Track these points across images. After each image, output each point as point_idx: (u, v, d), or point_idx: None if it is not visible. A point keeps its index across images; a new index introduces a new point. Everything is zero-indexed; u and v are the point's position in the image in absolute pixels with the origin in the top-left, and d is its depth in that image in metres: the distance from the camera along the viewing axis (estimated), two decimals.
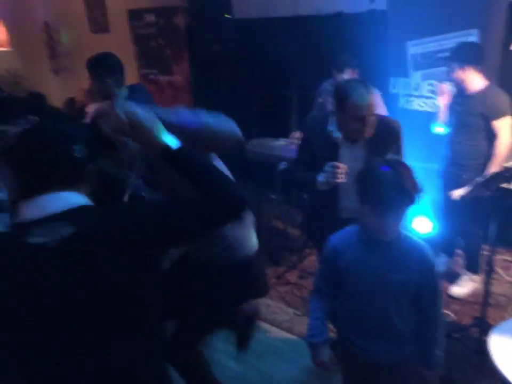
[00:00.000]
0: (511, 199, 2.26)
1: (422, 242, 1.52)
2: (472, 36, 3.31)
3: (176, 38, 4.80)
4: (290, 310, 2.98)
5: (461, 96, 2.87)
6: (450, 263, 3.29)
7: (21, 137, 1.08)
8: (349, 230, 1.58)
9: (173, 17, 4.75)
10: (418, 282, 1.46)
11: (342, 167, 1.90)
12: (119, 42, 5.61)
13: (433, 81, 3.56)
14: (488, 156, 2.71)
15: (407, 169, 1.37)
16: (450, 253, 3.30)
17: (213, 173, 1.18)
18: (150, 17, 4.91)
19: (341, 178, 1.89)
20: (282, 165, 3.19)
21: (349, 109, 1.92)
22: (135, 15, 5.07)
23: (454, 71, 2.78)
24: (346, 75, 3.21)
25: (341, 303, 1.63)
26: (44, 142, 1.06)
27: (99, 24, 6.17)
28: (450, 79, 2.90)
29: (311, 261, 3.54)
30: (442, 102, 2.99)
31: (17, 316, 1.01)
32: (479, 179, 2.05)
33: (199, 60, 4.49)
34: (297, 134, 3.39)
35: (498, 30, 3.14)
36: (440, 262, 3.26)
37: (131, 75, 5.42)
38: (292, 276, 3.37)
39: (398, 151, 2.12)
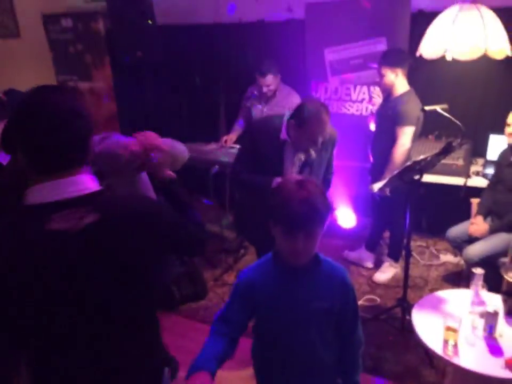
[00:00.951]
0: (421, 189, 2.53)
1: (340, 265, 1.45)
2: (381, 44, 3.63)
3: (96, 43, 4.66)
4: None
5: (386, 100, 3.08)
6: (367, 256, 3.54)
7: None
8: (264, 261, 1.42)
9: (92, 22, 4.60)
10: (341, 308, 1.37)
11: None
12: (32, 48, 5.32)
13: (349, 86, 3.85)
14: None
15: (318, 187, 1.30)
16: (374, 248, 3.55)
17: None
18: (67, 22, 4.71)
19: None
20: (215, 169, 3.25)
21: (307, 133, 2.11)
22: (50, 20, 4.83)
23: (385, 75, 2.91)
24: (269, 80, 3.36)
25: (260, 347, 1.47)
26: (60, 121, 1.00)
27: (7, 28, 5.80)
28: (380, 84, 3.07)
29: (247, 261, 3.64)
30: (374, 104, 3.16)
31: (43, 301, 0.98)
32: (394, 173, 2.28)
33: (121, 65, 4.40)
34: (227, 138, 3.48)
35: (404, 37, 3.47)
36: (367, 258, 3.52)
37: (48, 81, 5.15)
38: (230, 277, 3.44)
39: (331, 155, 2.33)
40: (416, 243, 3.81)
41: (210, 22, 4.28)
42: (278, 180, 2.04)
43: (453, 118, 2.31)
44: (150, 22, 4.21)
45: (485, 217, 2.88)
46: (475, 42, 2.22)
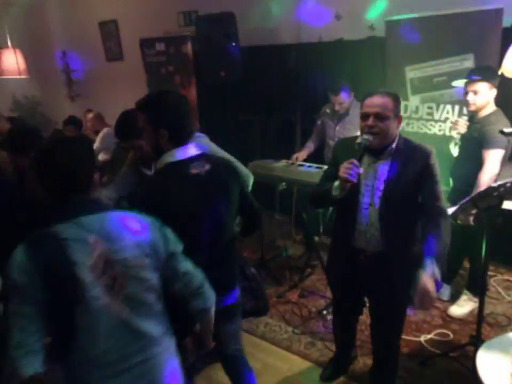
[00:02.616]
0: (500, 218, 2.30)
1: None
2: (468, 61, 3.41)
3: (185, 65, 4.99)
4: (290, 329, 3.01)
5: (471, 121, 2.84)
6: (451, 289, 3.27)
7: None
8: None
9: (181, 45, 4.96)
10: None
11: (357, 165, 1.75)
12: (132, 69, 5.87)
13: (432, 104, 3.65)
14: None
15: None
16: (451, 279, 3.27)
17: None
18: (161, 46, 5.13)
19: (352, 176, 1.74)
20: (282, 185, 3.28)
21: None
22: (146, 44, 5.30)
23: (483, 92, 2.68)
24: (341, 98, 3.32)
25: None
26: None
27: (113, 52, 6.48)
28: (471, 103, 2.75)
29: (313, 280, 3.59)
30: (458, 133, 2.91)
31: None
32: (467, 198, 2.10)
33: (206, 85, 4.66)
34: (298, 155, 3.49)
35: (494, 54, 3.22)
36: (443, 290, 3.25)
37: None
38: (293, 295, 3.41)
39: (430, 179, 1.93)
40: (503, 277, 3.45)
41: (289, 43, 4.37)
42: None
43: None
44: (233, 44, 4.43)
45: None
46: None
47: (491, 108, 2.75)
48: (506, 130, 2.18)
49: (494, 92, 2.72)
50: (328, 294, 3.27)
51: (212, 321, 1.54)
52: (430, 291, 1.73)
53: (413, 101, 3.73)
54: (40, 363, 1.12)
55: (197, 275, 1.46)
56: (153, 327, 1.31)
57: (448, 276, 3.25)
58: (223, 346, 2.02)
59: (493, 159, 2.63)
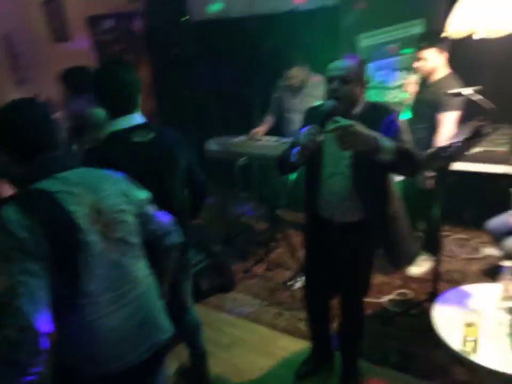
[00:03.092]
0: (451, 178, 2.39)
1: None
2: (419, 26, 3.45)
3: (136, 42, 4.83)
4: (257, 302, 3.06)
5: (424, 85, 2.90)
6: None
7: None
8: None
9: (131, 22, 4.77)
10: None
11: (314, 132, 1.71)
12: (81, 50, 5.60)
13: (385, 72, 3.70)
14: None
15: None
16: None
17: None
18: (110, 23, 4.92)
19: (311, 142, 1.71)
20: (242, 160, 3.26)
21: None
22: (94, 22, 5.06)
23: (430, 58, 2.75)
24: (294, 72, 3.31)
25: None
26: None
27: (60, 32, 6.15)
28: (421, 68, 2.83)
29: (278, 253, 3.64)
30: (411, 90, 2.97)
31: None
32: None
33: (159, 63, 4.53)
34: (258, 130, 3.47)
35: (442, 18, 3.26)
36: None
37: None
38: (259, 269, 3.45)
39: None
40: (457, 236, 3.61)
41: (241, 15, 4.29)
42: None
43: (483, 100, 2.15)
44: (184, 19, 4.31)
45: None
46: (503, 19, 2.05)
47: (443, 71, 2.80)
48: (451, 91, 2.23)
49: (444, 56, 2.77)
50: (294, 265, 3.33)
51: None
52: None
53: (368, 69, 3.75)
54: (51, 321, 1.14)
55: (167, 215, 1.57)
56: (140, 268, 1.41)
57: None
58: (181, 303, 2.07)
59: (448, 121, 2.70)
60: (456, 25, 2.17)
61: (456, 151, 2.19)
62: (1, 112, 1.27)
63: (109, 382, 1.32)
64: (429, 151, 2.14)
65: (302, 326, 2.73)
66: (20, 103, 1.30)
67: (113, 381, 1.32)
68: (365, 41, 3.73)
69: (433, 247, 3.19)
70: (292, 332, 2.72)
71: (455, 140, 2.11)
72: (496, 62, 3.16)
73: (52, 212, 1.19)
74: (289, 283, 3.17)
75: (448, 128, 2.71)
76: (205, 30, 4.40)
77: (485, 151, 3.14)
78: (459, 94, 2.18)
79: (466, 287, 2.13)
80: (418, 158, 1.80)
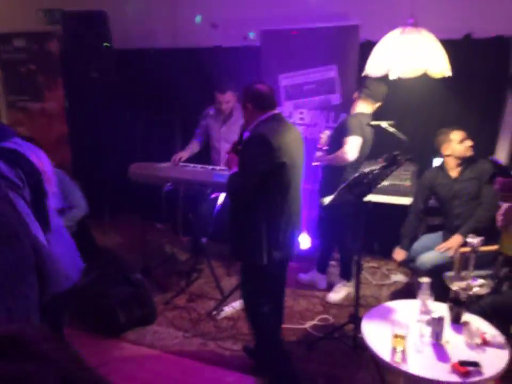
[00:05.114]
0: (370, 205, 2.58)
1: None
2: (332, 71, 3.79)
3: (50, 64, 4.58)
4: (180, 334, 2.91)
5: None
6: (320, 279, 3.51)
7: None
8: None
9: (46, 43, 4.54)
10: None
11: None
12: None
13: (303, 110, 3.96)
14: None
15: None
16: (325, 269, 3.53)
17: None
18: (20, 42, 4.63)
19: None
20: (168, 186, 3.19)
21: None
22: (2, 39, 4.73)
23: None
24: (228, 96, 3.40)
25: None
26: None
27: None
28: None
29: (200, 284, 3.54)
30: (322, 146, 3.22)
31: None
32: (342, 185, 2.31)
33: (75, 86, 4.34)
34: (181, 155, 3.44)
35: (353, 66, 3.63)
36: (320, 280, 3.51)
37: None
38: (181, 300, 3.31)
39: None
40: (369, 264, 3.86)
41: (167, 47, 4.33)
42: None
43: (397, 132, 2.39)
44: (106, 44, 4.22)
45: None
46: (416, 62, 2.36)
47: (360, 109, 3.10)
48: (373, 123, 2.46)
49: (358, 97, 3.10)
50: (217, 295, 3.26)
51: None
52: None
53: (287, 106, 3.98)
54: None
55: None
56: None
57: (322, 267, 3.51)
58: None
59: (349, 143, 2.92)
60: (374, 66, 2.42)
61: (376, 178, 2.38)
62: None
63: None
64: (353, 177, 2.30)
65: (228, 355, 2.65)
66: None
67: None
68: (285, 80, 3.98)
69: (348, 273, 3.39)
70: (218, 362, 2.62)
71: (374, 167, 2.30)
72: (402, 101, 3.55)
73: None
74: (213, 313, 3.08)
75: (349, 149, 2.92)
76: (128, 57, 4.35)
77: (391, 184, 3.47)
78: (378, 126, 2.40)
79: (389, 304, 2.26)
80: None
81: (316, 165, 3.25)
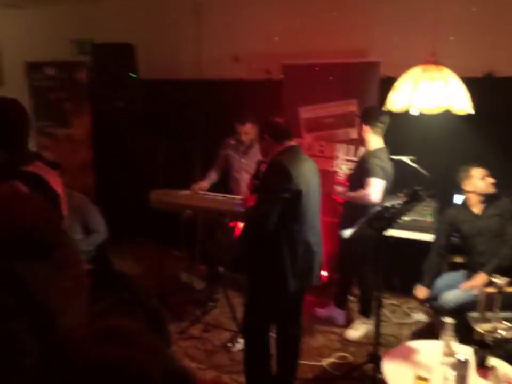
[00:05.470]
0: (390, 240, 2.54)
1: None
2: (353, 105, 3.83)
3: (78, 92, 4.75)
4: (194, 365, 2.86)
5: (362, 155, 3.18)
6: (340, 315, 3.44)
7: None
8: None
9: (75, 72, 4.73)
10: None
11: None
12: (13, 95, 5.36)
13: (323, 143, 3.98)
14: None
15: None
16: (344, 304, 3.46)
17: None
18: (51, 71, 4.83)
19: None
20: (187, 214, 3.21)
21: None
22: (33, 67, 4.95)
23: (362, 130, 3.12)
24: (247, 128, 3.45)
25: None
26: None
27: None
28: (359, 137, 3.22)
29: (216, 314, 3.50)
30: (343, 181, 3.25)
31: None
32: (363, 218, 2.29)
33: (102, 114, 4.47)
34: (200, 185, 3.47)
35: (373, 101, 3.67)
36: (338, 315, 3.43)
37: None
38: (196, 330, 3.27)
39: None
40: (389, 301, 3.76)
41: (191, 78, 4.46)
42: None
43: (418, 167, 2.38)
44: (132, 75, 4.36)
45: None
46: (437, 100, 2.37)
47: (377, 144, 3.08)
48: (395, 157, 2.46)
49: (366, 131, 3.09)
50: (233, 326, 3.21)
51: None
52: None
53: (307, 138, 4.02)
54: None
55: None
56: None
57: (341, 302, 3.45)
58: None
59: (372, 185, 2.91)
60: (395, 102, 2.44)
61: (397, 212, 2.36)
62: None
63: None
64: (373, 210, 2.28)
65: None
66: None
67: None
68: (305, 113, 4.03)
69: (367, 310, 3.31)
70: None
71: (396, 202, 2.28)
72: (424, 136, 3.54)
73: None
74: (229, 344, 3.03)
75: (372, 191, 2.90)
76: (153, 87, 4.48)
77: (412, 219, 3.43)
78: (400, 161, 2.40)
79: (410, 344, 2.19)
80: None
81: (337, 199, 3.24)
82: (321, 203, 2.45)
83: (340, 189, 3.14)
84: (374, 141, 3.08)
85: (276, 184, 2.17)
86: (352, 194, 3.05)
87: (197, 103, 4.38)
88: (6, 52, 5.67)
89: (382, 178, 2.93)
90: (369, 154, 3.06)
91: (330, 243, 3.67)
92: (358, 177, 3.04)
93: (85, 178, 4.70)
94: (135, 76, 4.34)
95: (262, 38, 4.25)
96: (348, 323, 3.36)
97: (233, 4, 4.35)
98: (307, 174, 2.25)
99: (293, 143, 2.34)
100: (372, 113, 3.16)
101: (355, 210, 3.01)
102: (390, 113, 2.98)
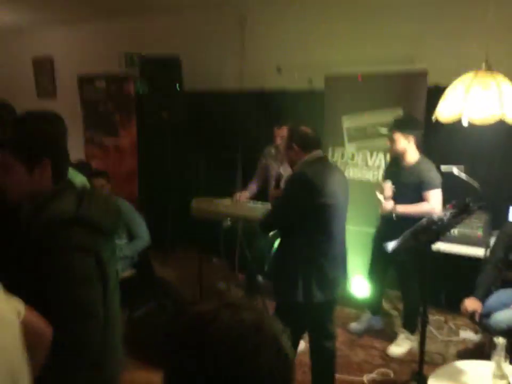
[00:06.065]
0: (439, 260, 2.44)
1: None
2: (398, 114, 3.72)
3: (126, 104, 4.94)
4: None
5: (397, 166, 3.07)
6: (373, 320, 3.40)
7: None
8: None
9: (124, 84, 4.92)
10: None
11: None
12: (66, 107, 5.66)
13: (366, 152, 3.90)
14: None
15: None
16: (378, 310, 3.42)
17: None
18: (101, 83, 5.05)
19: None
20: (228, 221, 3.24)
21: None
22: (85, 80, 5.20)
23: (397, 140, 2.96)
24: (283, 131, 3.43)
25: None
26: None
27: (46, 89, 6.23)
28: (391, 149, 3.06)
29: None
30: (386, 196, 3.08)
31: None
32: (408, 230, 2.21)
33: (147, 125, 4.63)
34: (241, 195, 3.49)
35: (420, 110, 3.56)
36: (375, 321, 3.37)
37: (76, 137, 5.44)
38: None
39: None
40: (434, 317, 3.59)
41: (234, 89, 4.52)
42: None
43: (468, 178, 2.28)
44: (177, 87, 4.49)
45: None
46: (490, 109, 2.26)
47: (416, 155, 2.99)
48: (444, 168, 2.37)
49: (409, 141, 2.97)
50: None
51: None
52: None
53: (349, 148, 3.95)
54: None
55: None
56: None
57: (376, 308, 3.40)
58: None
59: (435, 197, 2.85)
60: (445, 111, 2.36)
61: (445, 225, 2.26)
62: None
63: None
64: (420, 223, 2.20)
65: None
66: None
67: None
68: (348, 122, 3.97)
69: (411, 325, 3.18)
70: None
71: (444, 214, 2.18)
72: (475, 146, 3.38)
73: None
74: None
75: (435, 204, 2.83)
76: (196, 98, 4.58)
77: (460, 233, 3.27)
78: (450, 172, 2.30)
79: (458, 363, 2.08)
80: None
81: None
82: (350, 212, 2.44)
83: (389, 204, 2.98)
84: (415, 151, 2.99)
85: (295, 194, 2.21)
86: (411, 209, 2.88)
87: (239, 113, 4.43)
88: (60, 66, 6.01)
89: (440, 188, 2.86)
90: (417, 166, 2.95)
91: (365, 253, 3.58)
92: (408, 188, 2.94)
93: (130, 186, 4.85)
94: (179, 87, 4.47)
95: (305, 48, 4.25)
96: (390, 339, 3.24)
97: (277, 15, 4.38)
98: (335, 185, 2.24)
99: (320, 153, 2.34)
100: (410, 122, 3.06)
101: (401, 219, 2.91)
102: (437, 123, 2.88)
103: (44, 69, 6.19)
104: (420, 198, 2.89)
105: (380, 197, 3.02)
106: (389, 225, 3.02)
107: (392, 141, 3.00)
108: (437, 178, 2.85)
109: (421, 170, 2.91)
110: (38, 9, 4.79)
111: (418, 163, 2.96)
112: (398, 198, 3.04)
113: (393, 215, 2.94)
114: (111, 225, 1.30)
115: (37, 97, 6.31)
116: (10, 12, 4.94)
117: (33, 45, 6.14)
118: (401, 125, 3.01)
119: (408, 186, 2.95)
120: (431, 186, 2.84)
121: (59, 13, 5.02)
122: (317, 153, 2.30)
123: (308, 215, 2.17)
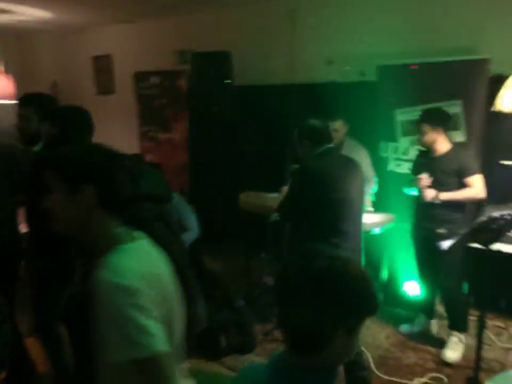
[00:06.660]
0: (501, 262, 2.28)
1: None
2: (456, 106, 3.53)
3: (178, 98, 5.06)
4: None
5: (427, 158, 3.04)
6: (428, 324, 3.27)
7: None
8: None
9: (176, 80, 5.04)
10: None
11: None
12: (123, 102, 5.89)
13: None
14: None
15: None
16: (432, 313, 3.28)
17: None
18: (155, 79, 5.21)
19: None
20: (275, 217, 3.22)
21: None
22: (141, 77, 5.37)
23: (427, 133, 2.97)
24: (337, 124, 3.40)
25: None
26: None
27: (105, 86, 6.52)
28: (420, 140, 3.06)
29: None
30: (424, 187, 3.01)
31: None
32: (467, 229, 2.09)
33: (198, 119, 4.70)
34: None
35: (481, 101, 3.35)
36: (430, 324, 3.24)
37: (132, 131, 5.64)
38: (281, 334, 3.25)
39: None
40: (493, 322, 3.39)
41: (284, 83, 4.48)
42: None
43: None
44: (227, 82, 4.52)
45: None
46: None
47: (447, 144, 2.96)
48: (505, 162, 2.21)
49: (439, 133, 2.95)
50: None
51: None
52: None
53: (403, 142, 3.80)
54: None
55: None
56: None
57: (430, 311, 3.27)
58: None
59: (479, 182, 2.81)
60: (507, 102, 2.20)
61: (506, 224, 2.11)
62: None
63: None
64: (477, 221, 2.07)
65: None
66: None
67: None
68: (402, 115, 3.81)
69: (458, 323, 3.01)
70: None
71: (505, 212, 2.04)
72: None
73: None
74: None
75: (479, 188, 2.78)
76: (246, 92, 4.60)
77: None
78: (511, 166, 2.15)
79: None
80: None
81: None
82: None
83: (430, 193, 2.91)
84: (445, 140, 2.97)
85: (297, 185, 2.23)
86: (456, 195, 2.83)
87: (289, 107, 4.39)
88: (117, 63, 6.25)
89: (480, 173, 2.81)
90: (454, 153, 2.92)
91: (404, 249, 3.44)
92: (445, 177, 2.88)
93: (182, 178, 4.97)
94: (230, 82, 4.50)
95: (356, 40, 4.12)
96: (444, 342, 3.09)
97: (327, 6, 4.29)
98: (346, 178, 2.19)
99: (329, 145, 2.30)
100: (439, 115, 3.04)
101: (449, 211, 2.85)
102: (499, 113, 2.73)
103: (103, 67, 6.47)
104: (459, 184, 2.84)
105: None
106: (428, 218, 2.96)
107: (421, 133, 3.01)
108: (476, 163, 2.82)
109: (460, 157, 2.89)
110: (97, 9, 5.00)
111: (454, 150, 2.94)
112: (436, 186, 2.94)
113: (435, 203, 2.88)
114: None
115: (96, 94, 6.61)
116: (72, 13, 5.19)
117: (93, 44, 6.44)
118: (429, 118, 3.00)
119: (446, 172, 2.90)
120: (472, 172, 2.80)
121: (117, 13, 5.22)
122: (327, 146, 2.27)
123: (311, 208, 2.15)
